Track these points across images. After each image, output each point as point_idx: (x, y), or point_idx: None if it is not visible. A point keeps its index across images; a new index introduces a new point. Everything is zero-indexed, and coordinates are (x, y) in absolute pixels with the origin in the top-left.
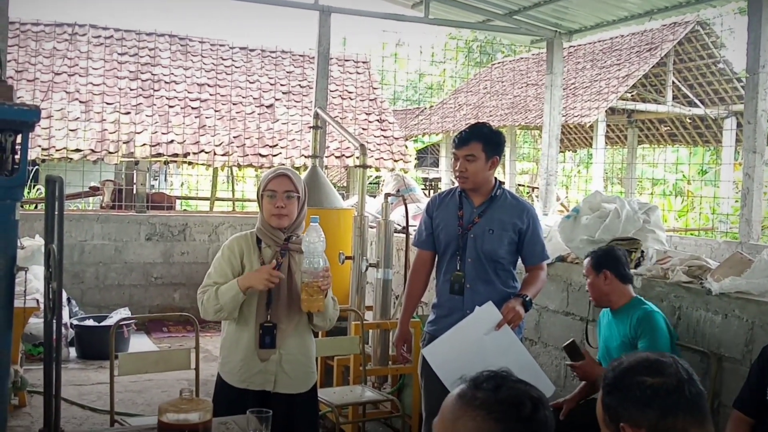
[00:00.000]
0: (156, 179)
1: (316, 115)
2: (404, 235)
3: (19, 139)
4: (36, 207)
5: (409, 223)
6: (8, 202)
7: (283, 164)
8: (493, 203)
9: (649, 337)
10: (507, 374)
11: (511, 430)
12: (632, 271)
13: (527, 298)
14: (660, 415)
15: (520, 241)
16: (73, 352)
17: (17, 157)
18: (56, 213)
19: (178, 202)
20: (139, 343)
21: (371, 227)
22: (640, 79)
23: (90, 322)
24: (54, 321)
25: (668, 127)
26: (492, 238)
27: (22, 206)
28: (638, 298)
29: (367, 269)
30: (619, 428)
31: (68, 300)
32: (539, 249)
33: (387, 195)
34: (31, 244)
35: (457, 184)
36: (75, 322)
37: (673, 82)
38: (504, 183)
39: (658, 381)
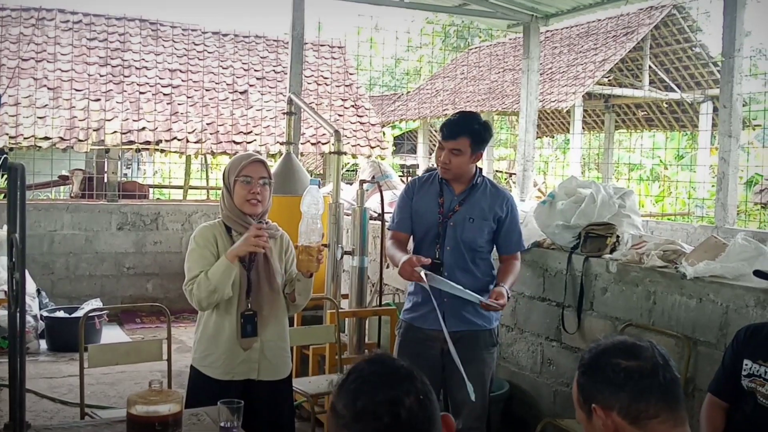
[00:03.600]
0: (129, 168)
1: (290, 101)
2: (380, 222)
3: None
4: (4, 197)
5: (385, 210)
6: None
7: (258, 151)
8: (474, 191)
9: None
10: (371, 372)
11: None
12: (608, 256)
13: (507, 290)
14: (632, 399)
15: (498, 230)
16: (43, 344)
17: None
18: (18, 201)
19: (151, 190)
20: (112, 335)
21: (347, 215)
22: (617, 63)
23: (60, 314)
24: (18, 313)
25: (645, 112)
26: (472, 227)
27: None
28: None
29: (342, 257)
30: (591, 409)
31: (38, 291)
32: (515, 238)
33: (362, 182)
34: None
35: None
36: (45, 314)
37: (650, 67)
38: (482, 170)
39: (633, 364)
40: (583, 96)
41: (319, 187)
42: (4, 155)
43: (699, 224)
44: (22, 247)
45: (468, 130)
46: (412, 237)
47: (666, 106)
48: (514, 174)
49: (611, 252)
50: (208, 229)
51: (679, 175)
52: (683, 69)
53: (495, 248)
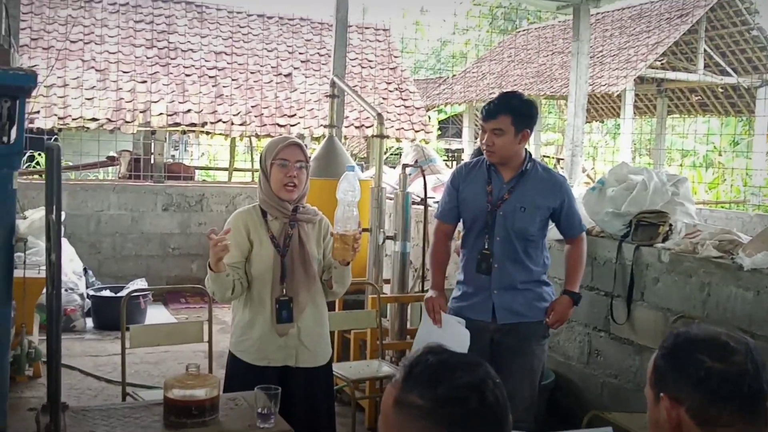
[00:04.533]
0: (176, 149)
1: (333, 84)
2: (422, 207)
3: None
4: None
5: (428, 195)
6: (5, 170)
7: (302, 134)
8: (524, 178)
9: None
10: (440, 359)
11: (465, 429)
12: (660, 245)
13: (576, 295)
14: (706, 402)
15: (557, 218)
16: (90, 322)
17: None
18: (54, 182)
19: (197, 172)
20: (157, 314)
21: (389, 199)
22: (670, 46)
23: (106, 293)
24: (54, 293)
25: (699, 97)
26: (523, 216)
27: (40, 176)
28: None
29: (384, 242)
30: (659, 396)
31: (85, 270)
32: (577, 222)
33: (405, 166)
34: (42, 215)
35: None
36: (91, 293)
37: (705, 50)
38: (531, 154)
39: (718, 366)
40: (634, 80)
41: (362, 170)
42: (55, 136)
43: (755, 213)
44: (57, 228)
45: (508, 108)
46: (462, 224)
47: (721, 90)
48: (562, 159)
49: (663, 241)
50: (240, 217)
51: (735, 161)
52: (740, 52)
53: (559, 233)
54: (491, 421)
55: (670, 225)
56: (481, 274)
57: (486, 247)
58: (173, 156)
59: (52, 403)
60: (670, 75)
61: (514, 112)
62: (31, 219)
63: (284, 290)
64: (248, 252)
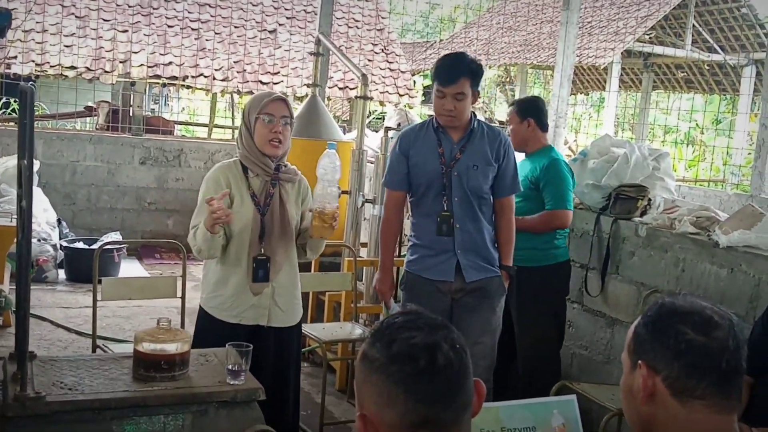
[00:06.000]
0: (156, 103)
1: (318, 42)
2: None
3: None
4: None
5: None
6: None
7: (285, 93)
8: (473, 136)
9: (554, 183)
10: (406, 320)
11: (412, 388)
12: (638, 219)
13: (512, 269)
14: (683, 373)
15: (496, 173)
16: (62, 273)
17: None
18: (27, 126)
19: (177, 127)
20: (130, 268)
21: (370, 162)
22: (659, 20)
23: (80, 245)
24: (23, 241)
25: (685, 73)
26: (476, 174)
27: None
28: (551, 146)
29: (363, 205)
30: (636, 364)
31: (59, 221)
32: (510, 180)
33: (387, 129)
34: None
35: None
36: (64, 244)
37: (693, 26)
38: (476, 113)
39: (700, 339)
40: (621, 53)
41: (344, 132)
42: (31, 82)
43: (733, 192)
44: (29, 174)
45: (467, 71)
46: (411, 193)
47: (707, 68)
48: None
49: (641, 215)
50: (220, 171)
51: (716, 140)
52: (728, 30)
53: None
54: (441, 384)
55: (649, 199)
56: (442, 237)
57: (445, 209)
58: (152, 110)
59: (20, 351)
60: (658, 49)
61: (472, 74)
62: (5, 166)
63: (262, 249)
64: (229, 207)
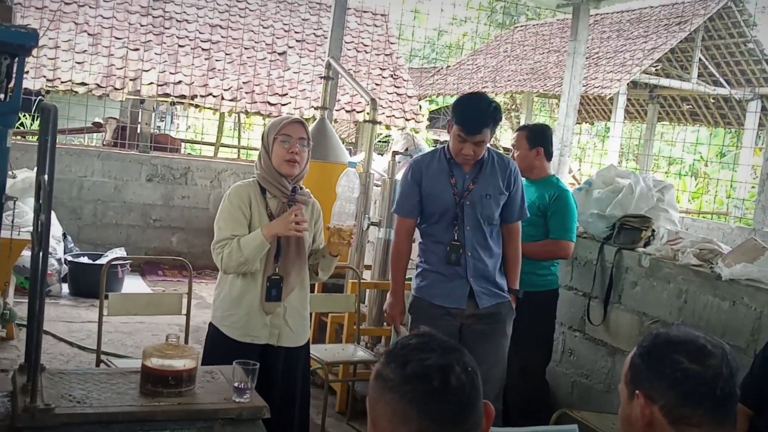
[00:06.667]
0: (163, 120)
1: (328, 65)
2: None
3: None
4: (36, 139)
5: None
6: (0, 128)
7: (291, 114)
8: (485, 167)
9: (562, 213)
10: (420, 342)
11: (425, 407)
12: (641, 249)
13: (519, 292)
14: (679, 401)
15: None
16: (65, 288)
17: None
18: (49, 143)
19: (183, 145)
20: (133, 284)
21: (376, 185)
22: (666, 53)
23: (84, 260)
24: (40, 254)
25: (690, 106)
26: (489, 202)
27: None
28: (555, 175)
29: (368, 228)
30: (634, 394)
31: (64, 235)
32: (518, 207)
33: (395, 153)
34: (29, 176)
35: (438, 147)
36: (69, 258)
37: (700, 59)
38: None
39: (694, 368)
40: (627, 84)
41: (350, 155)
42: (40, 97)
43: (737, 225)
44: (49, 189)
45: (491, 120)
46: (421, 220)
47: (713, 101)
48: None
49: (645, 246)
50: (243, 189)
51: (720, 173)
52: (734, 64)
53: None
54: (453, 404)
55: (653, 230)
56: (450, 266)
57: (456, 238)
58: (159, 127)
59: (30, 363)
60: (664, 81)
61: (494, 122)
62: (13, 180)
63: (277, 269)
64: (249, 224)
